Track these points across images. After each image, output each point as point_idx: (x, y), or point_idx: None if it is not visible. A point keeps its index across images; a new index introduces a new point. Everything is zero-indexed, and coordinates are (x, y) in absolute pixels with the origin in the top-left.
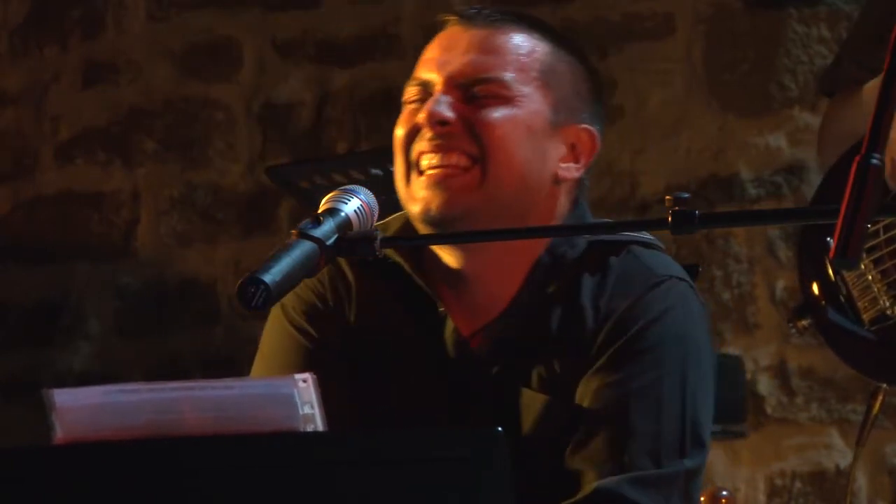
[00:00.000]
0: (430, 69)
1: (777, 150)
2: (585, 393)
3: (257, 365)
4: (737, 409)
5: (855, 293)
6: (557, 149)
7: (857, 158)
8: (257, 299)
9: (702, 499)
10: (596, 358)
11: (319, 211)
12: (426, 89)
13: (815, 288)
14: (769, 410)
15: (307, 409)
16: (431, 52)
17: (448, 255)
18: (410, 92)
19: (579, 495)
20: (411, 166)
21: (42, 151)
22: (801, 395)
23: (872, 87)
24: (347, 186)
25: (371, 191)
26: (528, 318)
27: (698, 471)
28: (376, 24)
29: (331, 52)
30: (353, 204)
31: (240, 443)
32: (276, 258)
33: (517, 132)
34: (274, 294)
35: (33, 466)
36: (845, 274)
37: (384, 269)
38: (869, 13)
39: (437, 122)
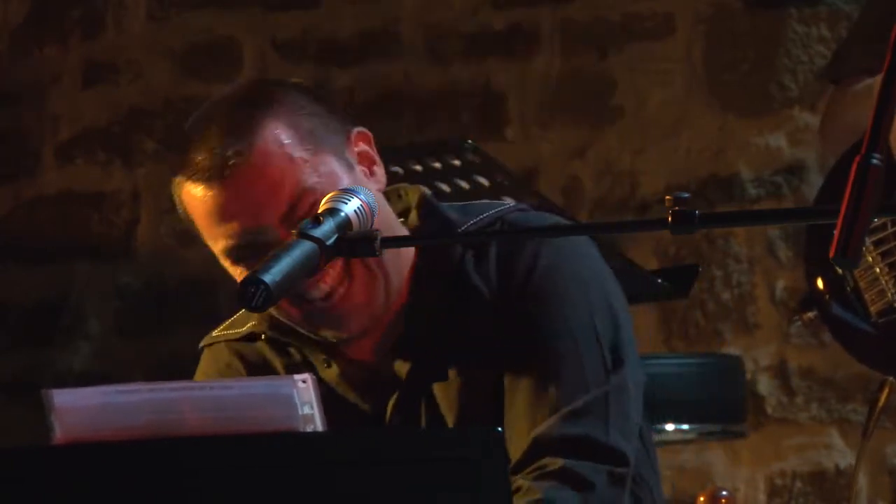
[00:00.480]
0: (229, 243)
1: (777, 150)
2: (503, 355)
3: None
4: (737, 409)
5: (862, 285)
6: (354, 176)
7: (857, 158)
8: (257, 299)
9: (701, 499)
10: (500, 322)
11: (319, 211)
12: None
13: (820, 283)
14: (769, 410)
15: (307, 410)
16: (206, 216)
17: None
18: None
19: (521, 453)
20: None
21: (42, 151)
22: (801, 395)
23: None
24: (347, 186)
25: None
26: (426, 319)
27: (624, 385)
28: (376, 24)
29: (331, 52)
30: (353, 204)
31: (239, 443)
32: (276, 258)
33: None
34: (274, 294)
35: (33, 466)
36: None
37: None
38: (877, 1)
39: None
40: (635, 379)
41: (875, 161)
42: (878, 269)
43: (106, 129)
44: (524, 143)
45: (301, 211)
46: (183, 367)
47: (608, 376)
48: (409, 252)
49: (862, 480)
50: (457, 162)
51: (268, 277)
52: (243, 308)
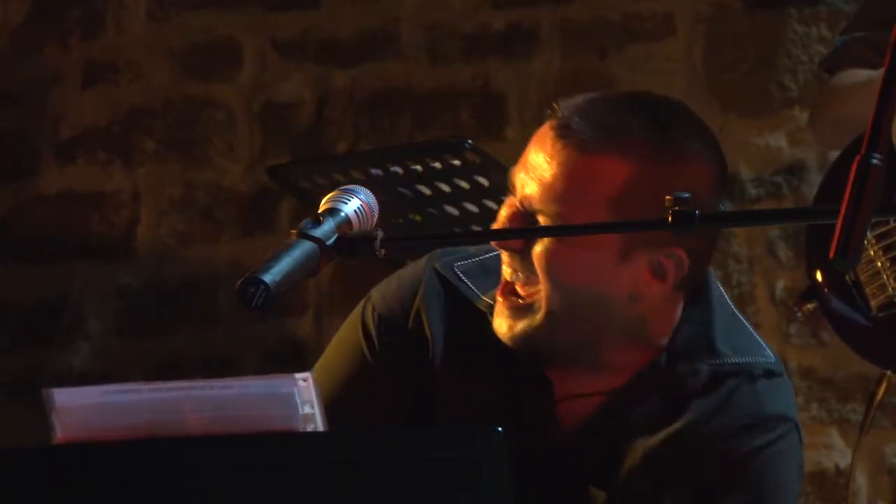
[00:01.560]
0: (516, 173)
1: (777, 150)
2: None
3: (324, 356)
4: None
5: (864, 279)
6: (632, 273)
7: (858, 158)
8: (257, 299)
9: None
10: (678, 478)
11: (319, 211)
12: (512, 191)
13: (818, 275)
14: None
15: (307, 409)
16: (529, 149)
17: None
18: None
19: None
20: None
21: (42, 151)
22: (801, 395)
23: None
24: (347, 186)
25: (371, 191)
26: (624, 415)
27: None
28: (376, 24)
29: (331, 52)
30: (353, 204)
31: (240, 443)
32: (276, 258)
33: (571, 265)
34: (274, 294)
35: (33, 466)
36: None
37: (475, 326)
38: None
39: (503, 247)
40: None
41: (875, 161)
42: (879, 264)
43: (106, 129)
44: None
45: (537, 217)
46: (183, 367)
47: None
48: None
49: (861, 480)
50: (457, 162)
51: (268, 277)
52: (244, 308)
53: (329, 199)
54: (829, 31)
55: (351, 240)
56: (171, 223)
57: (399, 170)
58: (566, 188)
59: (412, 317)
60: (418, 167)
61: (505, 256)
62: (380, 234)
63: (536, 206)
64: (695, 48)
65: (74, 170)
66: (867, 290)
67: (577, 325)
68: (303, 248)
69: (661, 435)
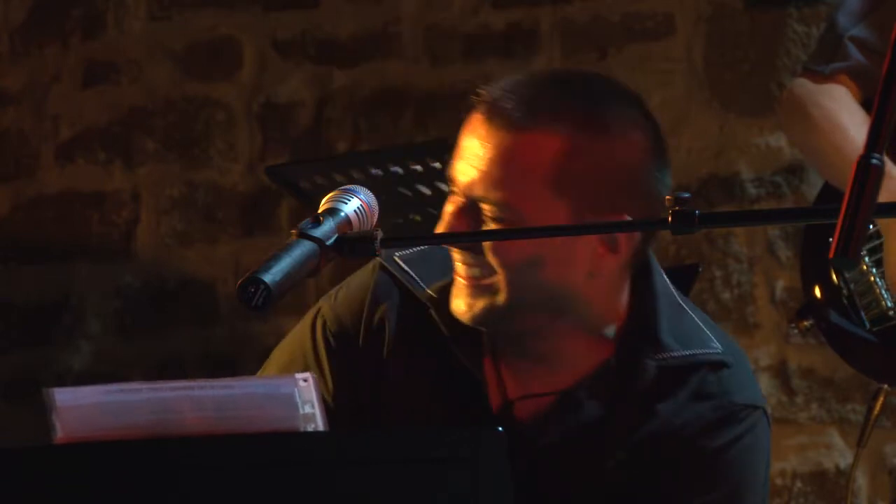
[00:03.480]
0: (454, 167)
1: (777, 150)
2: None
3: (271, 360)
4: None
5: (857, 293)
6: (586, 247)
7: (858, 158)
8: (257, 299)
9: None
10: (651, 475)
11: (319, 211)
12: (453, 188)
13: (817, 291)
14: (769, 410)
15: (307, 409)
16: (461, 140)
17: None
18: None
19: None
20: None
21: (42, 151)
22: (801, 395)
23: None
24: (347, 186)
25: (371, 191)
26: (584, 408)
27: None
28: (376, 24)
29: (331, 52)
30: (353, 204)
31: (240, 442)
32: (276, 258)
33: (524, 251)
34: (274, 294)
35: (33, 466)
36: (848, 275)
37: (427, 320)
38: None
39: (452, 245)
40: None
41: (875, 161)
42: (872, 277)
43: (106, 129)
44: None
45: (481, 206)
46: (183, 368)
47: None
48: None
49: (861, 480)
50: None
51: (268, 277)
52: (244, 308)
53: (329, 199)
54: None
55: (351, 240)
56: (171, 223)
57: (399, 170)
58: (503, 171)
59: (365, 320)
60: (418, 167)
61: (458, 255)
62: (380, 234)
63: (478, 194)
64: (695, 48)
65: (74, 170)
66: (860, 304)
67: (538, 308)
68: (303, 248)
69: (632, 435)
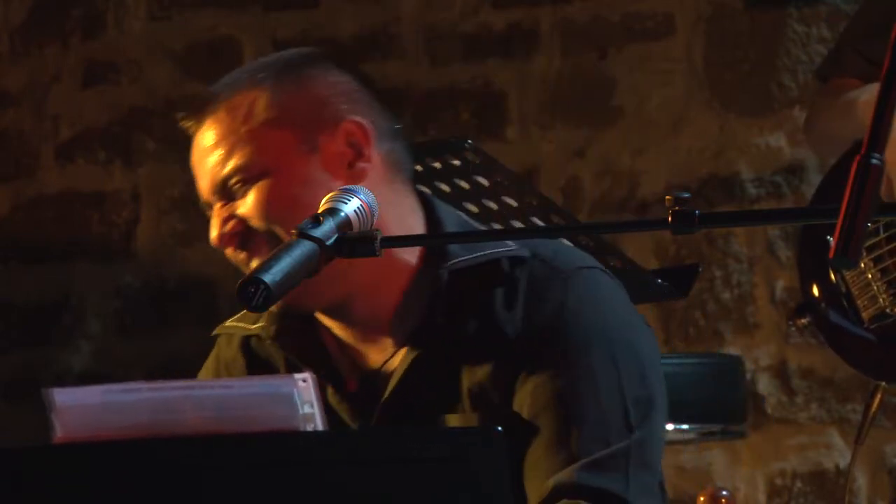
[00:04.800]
0: (200, 186)
1: (777, 150)
2: (521, 402)
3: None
4: (737, 409)
5: (854, 291)
6: (333, 158)
7: (858, 158)
8: (257, 299)
9: (701, 499)
10: (522, 365)
11: (319, 211)
12: (211, 204)
13: (815, 289)
14: (769, 410)
15: (307, 409)
16: (195, 169)
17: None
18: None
19: (539, 499)
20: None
21: (43, 151)
22: (801, 395)
23: (866, 102)
24: (347, 186)
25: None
26: (445, 346)
27: (648, 439)
28: (376, 24)
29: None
30: (353, 204)
31: (240, 442)
32: (276, 258)
33: (284, 193)
34: (274, 293)
35: (33, 466)
36: (845, 273)
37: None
38: (871, 3)
39: (226, 245)
40: (661, 432)
41: (875, 161)
42: (869, 275)
43: (106, 129)
44: (524, 143)
45: (228, 185)
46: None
47: (631, 430)
48: (402, 265)
49: (861, 480)
50: (457, 162)
51: (268, 277)
52: (244, 308)
53: (329, 199)
54: (829, 31)
55: (351, 240)
56: (171, 223)
57: None
58: (231, 142)
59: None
60: (418, 167)
61: (233, 253)
62: (380, 234)
63: (230, 182)
64: (695, 48)
65: (74, 170)
66: (859, 303)
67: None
68: (303, 248)
69: (480, 343)
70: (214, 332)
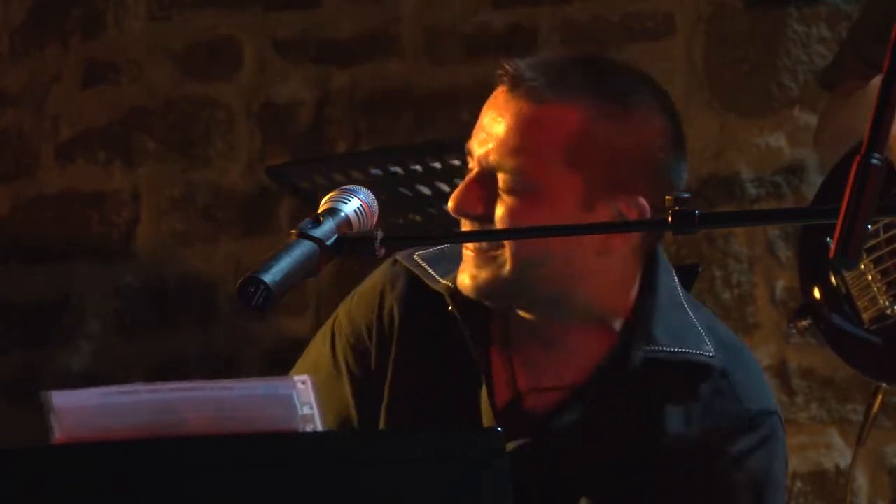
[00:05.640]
0: (473, 139)
1: (777, 150)
2: None
3: (299, 363)
4: None
5: (854, 292)
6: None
7: (858, 158)
8: (257, 299)
9: None
10: (667, 485)
11: (319, 211)
12: (470, 161)
13: (816, 292)
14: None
15: (306, 410)
16: (482, 115)
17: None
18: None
19: None
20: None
21: (42, 151)
22: (801, 395)
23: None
24: (347, 186)
25: (371, 191)
26: (601, 405)
27: None
28: (376, 24)
29: (331, 52)
30: (353, 204)
31: (239, 443)
32: (276, 258)
33: (537, 222)
34: (274, 294)
35: (33, 466)
36: (845, 274)
37: (436, 312)
38: (873, 7)
39: (462, 214)
40: None
41: (875, 161)
42: (869, 276)
43: (106, 129)
44: None
45: (498, 176)
46: (183, 367)
47: None
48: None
49: (861, 480)
50: (457, 162)
51: (268, 277)
52: (244, 308)
53: (329, 199)
54: (829, 31)
55: (351, 240)
56: (171, 223)
57: (399, 170)
58: (521, 139)
59: (377, 318)
60: (418, 167)
61: (468, 225)
62: (380, 234)
63: (493, 162)
64: (695, 48)
65: (74, 170)
66: (859, 304)
67: (545, 285)
68: (303, 248)
69: (642, 439)
70: (395, 258)
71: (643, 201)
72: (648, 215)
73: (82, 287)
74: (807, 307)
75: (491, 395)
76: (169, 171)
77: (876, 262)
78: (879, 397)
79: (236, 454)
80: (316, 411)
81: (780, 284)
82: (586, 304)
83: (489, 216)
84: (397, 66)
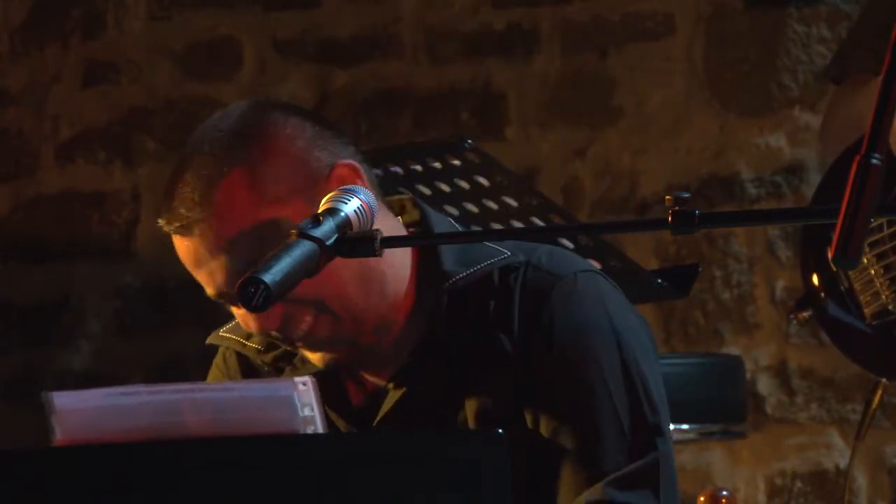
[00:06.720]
0: (207, 288)
1: (777, 150)
2: (534, 420)
3: None
4: (737, 409)
5: (857, 287)
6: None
7: (858, 158)
8: (257, 299)
9: (701, 499)
10: (527, 382)
11: (319, 211)
12: (229, 300)
13: (815, 280)
14: (769, 410)
15: (307, 412)
16: (192, 270)
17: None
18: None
19: None
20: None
21: (43, 151)
22: (801, 394)
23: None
24: (347, 186)
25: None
26: (440, 356)
27: (670, 453)
28: (376, 24)
29: (331, 52)
30: (353, 204)
31: (240, 445)
32: (276, 258)
33: (308, 292)
34: (274, 294)
35: (33, 467)
36: None
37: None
38: (878, 1)
39: (267, 331)
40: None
41: (875, 161)
42: (872, 271)
43: (106, 129)
44: (524, 143)
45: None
46: (183, 368)
47: (654, 442)
48: (401, 280)
49: (861, 480)
50: (457, 162)
51: (268, 277)
52: (244, 308)
53: (329, 199)
54: (829, 31)
55: (351, 240)
56: None
57: (399, 170)
58: (228, 247)
59: None
60: (418, 167)
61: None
62: (380, 234)
63: (230, 279)
64: (695, 48)
65: (74, 170)
66: (861, 299)
67: (370, 319)
68: (303, 248)
69: (486, 357)
70: (209, 342)
71: (344, 162)
72: (360, 168)
73: (82, 287)
74: (807, 298)
75: (344, 403)
76: (169, 171)
77: (879, 258)
78: (879, 393)
79: (237, 456)
80: (317, 413)
81: (780, 284)
82: (394, 304)
83: (291, 317)
84: (397, 66)
